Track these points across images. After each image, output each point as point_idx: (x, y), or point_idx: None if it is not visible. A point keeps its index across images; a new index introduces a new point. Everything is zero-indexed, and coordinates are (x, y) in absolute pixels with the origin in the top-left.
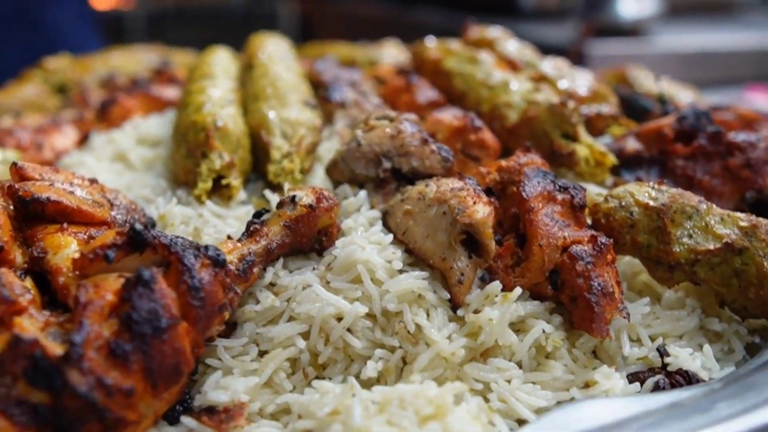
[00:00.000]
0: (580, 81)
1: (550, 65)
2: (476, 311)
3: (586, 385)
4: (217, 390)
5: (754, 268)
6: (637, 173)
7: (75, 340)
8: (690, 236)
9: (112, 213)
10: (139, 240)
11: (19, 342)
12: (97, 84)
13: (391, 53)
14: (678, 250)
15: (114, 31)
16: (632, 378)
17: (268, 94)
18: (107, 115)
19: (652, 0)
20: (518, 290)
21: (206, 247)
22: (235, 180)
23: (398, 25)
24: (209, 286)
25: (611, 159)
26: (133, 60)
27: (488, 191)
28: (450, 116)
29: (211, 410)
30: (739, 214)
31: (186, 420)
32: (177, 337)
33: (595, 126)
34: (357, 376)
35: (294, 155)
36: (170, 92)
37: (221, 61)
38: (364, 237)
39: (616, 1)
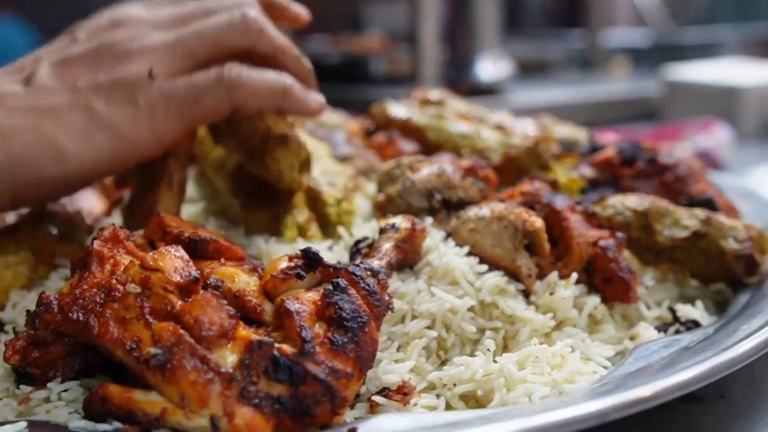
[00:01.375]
0: (529, 128)
1: (497, 117)
2: (552, 293)
3: (632, 338)
4: (387, 374)
5: (714, 247)
6: (600, 192)
7: (306, 338)
8: (668, 228)
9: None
10: (314, 261)
11: (261, 345)
12: None
13: None
14: (661, 239)
15: None
16: (657, 329)
17: None
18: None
19: (505, 63)
20: (574, 275)
21: (360, 262)
22: (313, 229)
23: None
24: (380, 290)
25: (581, 183)
26: None
27: (531, 207)
28: (451, 159)
29: (386, 390)
30: (694, 210)
31: (377, 398)
32: (373, 330)
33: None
34: (472, 355)
35: (347, 198)
36: None
37: None
38: (449, 251)
39: (476, 66)
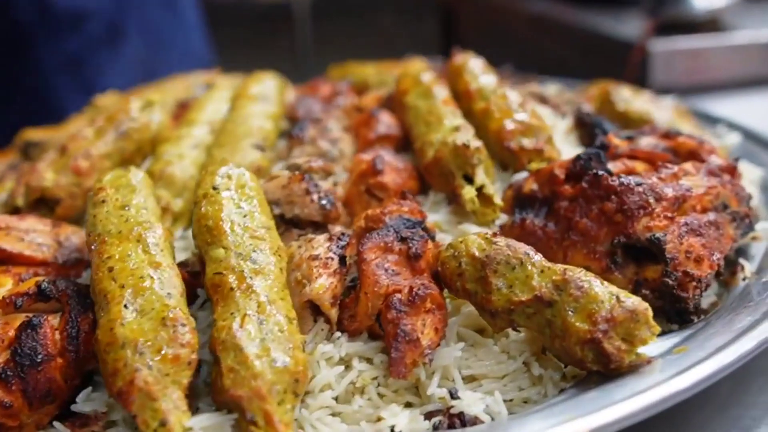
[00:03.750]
0: (520, 115)
1: (499, 95)
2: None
3: (378, 419)
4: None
5: (560, 321)
6: (525, 213)
7: None
8: (510, 287)
9: (58, 254)
10: (44, 293)
11: None
12: None
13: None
14: (496, 299)
15: (283, 21)
16: (426, 416)
17: (222, 141)
18: None
19: None
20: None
21: None
22: (167, 223)
23: (555, 24)
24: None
25: (498, 202)
26: (182, 87)
27: (342, 259)
28: (368, 157)
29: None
30: (557, 267)
31: (57, 424)
32: (50, 370)
33: (519, 160)
34: None
35: None
36: None
37: (221, 97)
38: None
39: None
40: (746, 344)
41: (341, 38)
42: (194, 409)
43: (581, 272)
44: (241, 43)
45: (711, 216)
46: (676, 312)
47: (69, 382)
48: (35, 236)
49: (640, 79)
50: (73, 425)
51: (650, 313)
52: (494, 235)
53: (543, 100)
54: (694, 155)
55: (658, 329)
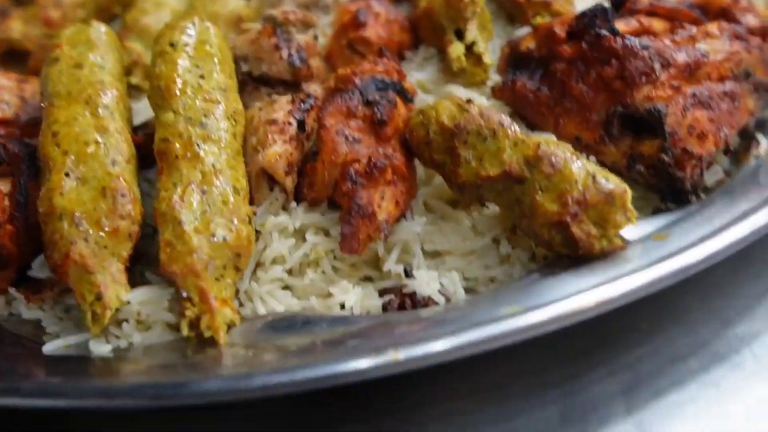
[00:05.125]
0: None
1: None
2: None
3: (328, 295)
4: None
5: (529, 200)
6: (518, 75)
7: None
8: (480, 159)
9: (21, 112)
10: None
11: None
12: None
13: None
14: (464, 172)
15: None
16: (382, 293)
17: None
18: None
19: None
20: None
21: None
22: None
23: None
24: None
25: (487, 61)
26: None
27: (301, 124)
28: (353, 7)
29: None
30: (532, 141)
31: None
32: None
33: (524, 14)
34: None
35: None
36: None
37: None
38: None
39: None
40: (729, 236)
41: None
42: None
43: (558, 148)
44: None
45: (727, 86)
46: (671, 192)
47: (22, 248)
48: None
49: None
50: (27, 290)
51: (629, 195)
52: (468, 101)
53: None
54: (726, 14)
55: (635, 214)
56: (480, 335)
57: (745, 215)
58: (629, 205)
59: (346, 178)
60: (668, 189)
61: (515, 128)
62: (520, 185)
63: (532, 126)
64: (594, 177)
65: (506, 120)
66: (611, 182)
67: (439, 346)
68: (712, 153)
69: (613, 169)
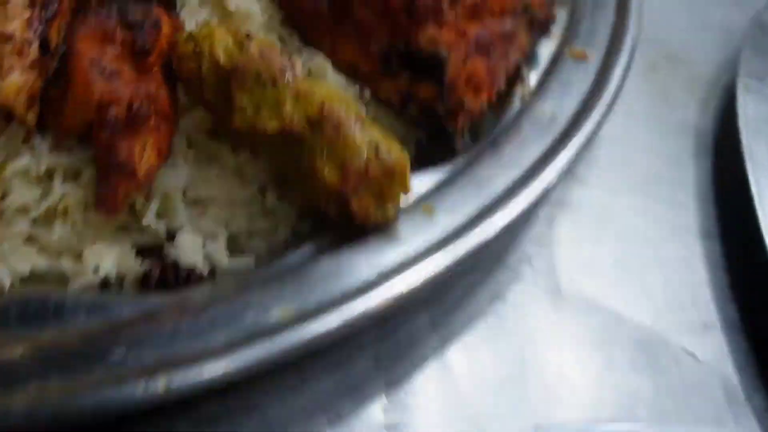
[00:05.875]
0: None
1: None
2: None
3: (79, 257)
4: None
5: (307, 163)
6: None
7: None
8: (257, 108)
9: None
10: None
11: None
12: None
13: None
14: (239, 120)
15: None
16: (140, 253)
17: None
18: None
19: None
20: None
21: None
22: None
23: None
24: None
25: None
26: None
27: (45, 44)
28: None
29: None
30: (317, 98)
31: None
32: None
33: None
34: None
35: None
36: None
37: None
38: None
39: None
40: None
41: None
42: None
43: (343, 108)
44: None
45: (507, 24)
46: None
47: None
48: None
49: None
50: None
51: (408, 168)
52: (248, 36)
53: None
54: None
55: (409, 188)
56: (257, 354)
57: (509, 194)
58: (407, 178)
59: (103, 125)
60: (437, 133)
61: (297, 77)
62: (299, 145)
63: (307, 41)
64: (377, 148)
65: (289, 65)
66: (393, 155)
67: (213, 370)
68: (484, 107)
69: (387, 104)
